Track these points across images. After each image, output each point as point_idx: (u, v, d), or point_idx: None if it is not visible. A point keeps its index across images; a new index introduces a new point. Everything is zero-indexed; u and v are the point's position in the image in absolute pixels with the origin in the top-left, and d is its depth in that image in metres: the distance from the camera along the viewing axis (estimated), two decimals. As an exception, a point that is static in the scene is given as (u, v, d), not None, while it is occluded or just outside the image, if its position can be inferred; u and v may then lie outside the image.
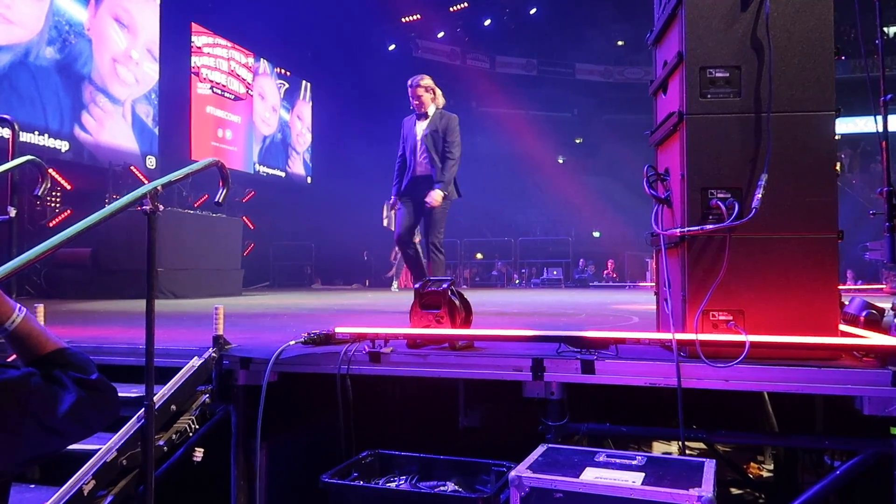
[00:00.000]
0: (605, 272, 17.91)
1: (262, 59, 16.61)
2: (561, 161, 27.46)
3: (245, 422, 2.98)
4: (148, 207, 2.47)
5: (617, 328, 4.08)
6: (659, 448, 4.16)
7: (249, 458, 2.97)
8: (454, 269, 18.15)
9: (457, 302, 2.92)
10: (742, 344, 2.42)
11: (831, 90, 2.55)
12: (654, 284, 9.38)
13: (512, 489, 2.21)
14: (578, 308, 6.37)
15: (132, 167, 11.68)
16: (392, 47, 20.91)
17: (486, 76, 26.82)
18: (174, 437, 2.69)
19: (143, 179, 11.72)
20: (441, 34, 23.89)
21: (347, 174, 17.49)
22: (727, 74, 2.59)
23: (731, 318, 2.55)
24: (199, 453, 2.78)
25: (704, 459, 2.34)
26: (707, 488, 2.07)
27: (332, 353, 2.87)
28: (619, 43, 29.11)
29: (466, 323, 2.97)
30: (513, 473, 2.22)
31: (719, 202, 2.54)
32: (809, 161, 2.54)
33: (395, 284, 13.30)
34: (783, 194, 2.52)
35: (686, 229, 2.56)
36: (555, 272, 16.19)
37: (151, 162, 12.79)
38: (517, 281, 16.81)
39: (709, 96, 2.60)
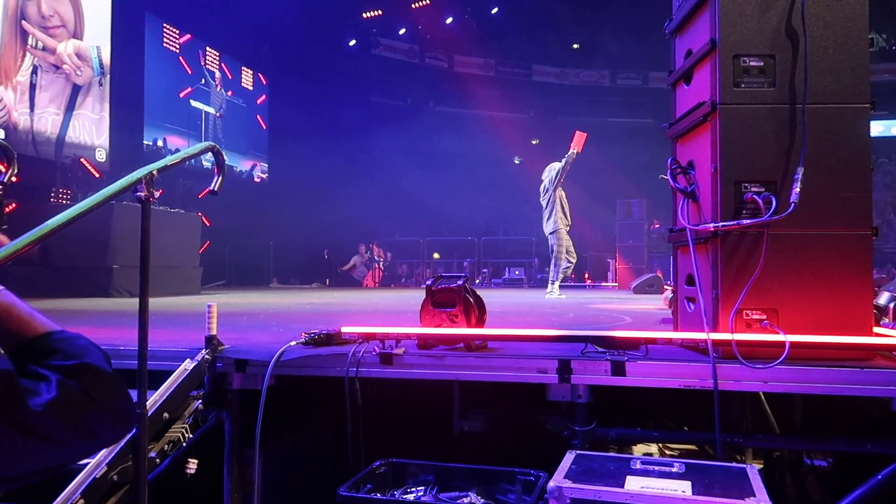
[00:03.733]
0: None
1: (216, 51, 16.08)
2: (517, 161, 27.53)
3: (240, 430, 2.74)
4: (143, 194, 2.24)
5: (616, 328, 3.98)
6: (638, 450, 4.07)
7: (244, 468, 2.73)
8: (414, 267, 17.94)
9: (471, 300, 2.75)
10: (778, 344, 2.33)
11: (866, 82, 2.48)
12: (616, 284, 9.42)
13: (551, 500, 2.05)
14: (561, 308, 6.27)
15: (82, 159, 11.10)
16: (352, 43, 20.56)
17: (445, 75, 26.70)
18: (166, 447, 2.44)
19: (94, 172, 11.17)
20: (402, 31, 23.64)
21: (306, 171, 17.09)
22: (761, 63, 2.49)
23: (764, 316, 2.45)
24: (192, 465, 2.54)
25: (745, 465, 2.23)
26: (762, 497, 1.95)
27: (339, 355, 2.66)
28: (575, 46, 29.42)
29: (481, 322, 2.80)
30: (551, 484, 2.06)
31: (755, 196, 2.44)
32: (844, 155, 2.47)
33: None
34: (818, 188, 2.44)
35: (721, 224, 2.45)
36: (517, 272, 16.14)
37: (101, 154, 12.20)
38: (477, 280, 16.72)
39: (742, 86, 2.50)
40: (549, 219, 8.67)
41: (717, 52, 2.50)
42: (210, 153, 2.69)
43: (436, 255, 19.11)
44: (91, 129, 12.10)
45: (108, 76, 12.52)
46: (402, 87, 25.13)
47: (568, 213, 8.76)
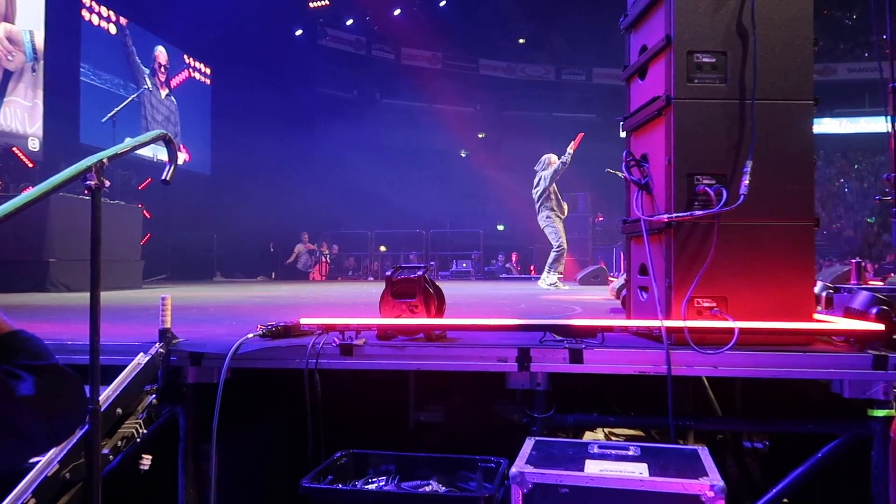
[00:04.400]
0: (509, 265, 18.18)
1: (157, 38, 15.56)
2: (464, 155, 27.65)
3: (195, 424, 2.69)
4: (93, 182, 2.15)
5: (569, 317, 4.05)
6: (587, 437, 4.18)
7: (200, 463, 2.68)
8: (361, 260, 17.83)
9: (431, 290, 2.76)
10: (728, 330, 2.42)
11: (810, 80, 2.59)
12: (561, 276, 9.38)
13: (514, 486, 2.08)
14: (512, 299, 6.34)
15: (14, 148, 10.60)
16: (299, 32, 20.21)
17: (392, 68, 26.57)
18: (120, 443, 2.37)
19: (27, 162, 10.68)
20: (350, 21, 23.37)
21: (250, 162, 16.75)
22: (714, 60, 2.58)
23: (714, 304, 2.54)
24: (146, 461, 2.47)
25: (697, 447, 2.32)
26: (715, 476, 2.03)
27: (299, 347, 2.63)
28: (521, 41, 29.70)
29: (440, 312, 2.81)
30: (513, 470, 2.10)
31: (706, 188, 2.52)
32: (789, 149, 2.58)
33: None
34: (765, 181, 2.54)
35: (674, 215, 2.53)
36: (464, 264, 16.23)
37: (35, 144, 11.66)
38: (426, 273, 16.74)
39: (696, 81, 2.58)
40: (542, 211, 8.72)
41: (671, 48, 2.57)
42: (161, 142, 2.62)
43: (382, 248, 19.05)
44: (23, 116, 11.55)
45: (42, 62, 11.97)
46: (349, 78, 24.90)
47: (564, 205, 8.84)
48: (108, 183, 2.20)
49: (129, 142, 2.40)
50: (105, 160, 2.19)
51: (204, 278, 14.59)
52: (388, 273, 2.80)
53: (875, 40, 2.55)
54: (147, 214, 12.60)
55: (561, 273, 8.81)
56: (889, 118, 2.25)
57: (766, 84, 2.56)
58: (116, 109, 10.95)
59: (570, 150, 8.54)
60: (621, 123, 3.11)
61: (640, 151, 2.90)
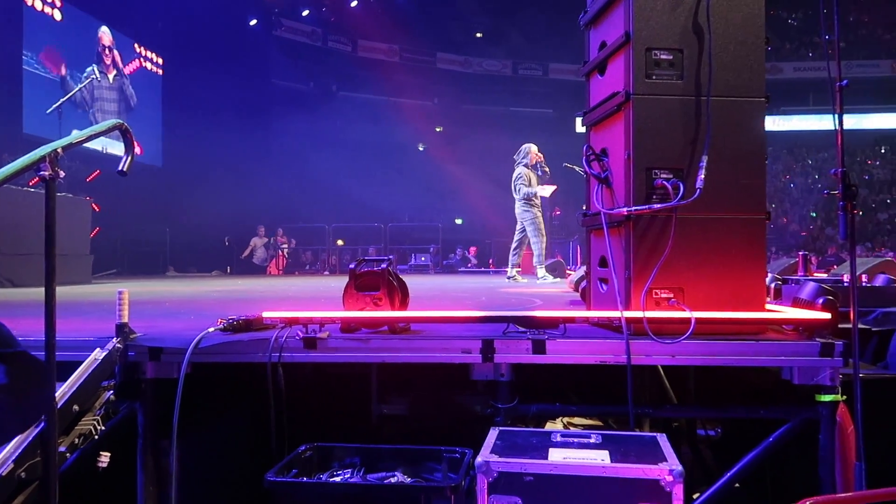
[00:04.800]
0: (468, 256, 18.27)
1: (107, 26, 15.08)
2: (421, 148, 27.63)
3: (154, 420, 2.64)
4: (47, 173, 2.09)
5: (529, 310, 4.10)
6: (548, 427, 4.26)
7: (160, 460, 2.64)
8: (319, 254, 17.67)
9: (395, 283, 2.76)
10: (685, 320, 2.49)
11: (762, 77, 2.68)
12: (519, 269, 9.44)
13: (479, 475, 2.11)
14: (472, 292, 6.39)
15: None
16: (253, 22, 19.84)
17: (349, 60, 26.33)
18: (77, 440, 2.31)
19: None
20: (306, 12, 23.04)
21: (204, 155, 16.41)
22: (671, 57, 2.64)
23: (672, 295, 2.62)
24: (104, 459, 2.42)
25: (656, 434, 2.38)
26: (673, 461, 2.10)
27: (261, 341, 2.60)
28: (478, 35, 29.78)
29: (404, 305, 2.82)
30: (479, 459, 2.13)
31: (664, 182, 2.59)
32: (742, 145, 2.66)
33: None
34: (720, 176, 2.62)
35: (633, 208, 2.59)
36: (423, 258, 16.25)
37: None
38: (384, 267, 16.70)
39: (654, 77, 2.64)
40: (519, 203, 8.65)
41: (630, 44, 2.62)
42: (117, 132, 2.56)
43: (340, 242, 18.90)
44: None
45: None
46: (306, 70, 24.59)
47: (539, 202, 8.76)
48: (62, 173, 2.14)
49: (84, 131, 2.34)
50: (60, 150, 2.13)
51: (156, 273, 14.26)
52: (352, 266, 2.80)
53: (823, 40, 2.64)
54: (96, 207, 12.24)
55: (519, 266, 8.84)
56: (836, 116, 2.35)
57: (720, 81, 2.63)
58: (62, 100, 10.58)
59: (540, 191, 8.48)
60: (580, 118, 3.16)
61: (599, 146, 2.96)
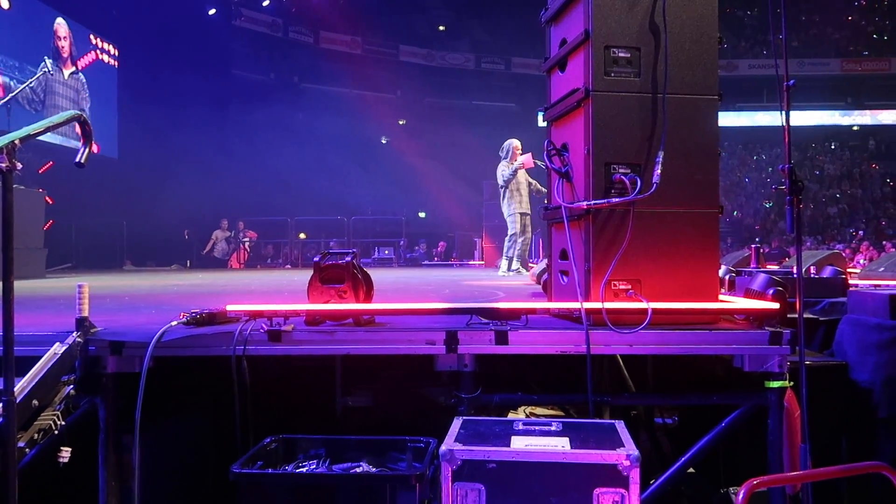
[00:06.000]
0: (435, 251, 18.33)
1: (60, 15, 14.64)
2: (384, 142, 27.54)
3: (115, 415, 2.62)
4: (4, 165, 2.07)
5: (492, 302, 4.17)
6: (510, 416, 4.34)
7: (122, 455, 2.62)
8: (281, 248, 17.51)
9: (360, 276, 2.79)
10: (642, 311, 2.58)
11: (715, 76, 2.78)
12: (482, 262, 9.57)
13: (443, 463, 2.16)
14: (436, 285, 6.43)
15: None
16: (212, 12, 19.46)
17: (310, 51, 26.06)
18: (36, 436, 2.29)
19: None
20: (266, 2, 22.71)
21: (161, 146, 16.09)
22: (629, 55, 2.72)
23: (630, 287, 2.70)
24: (65, 454, 2.39)
25: (614, 421, 2.46)
26: (630, 447, 2.17)
27: (226, 334, 2.60)
28: (441, 28, 29.78)
29: (368, 298, 2.85)
30: (443, 448, 2.17)
31: (622, 177, 2.66)
32: (697, 141, 2.75)
33: None
34: (675, 171, 2.71)
35: (592, 202, 2.65)
36: (386, 251, 16.23)
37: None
38: (347, 261, 16.62)
39: (612, 75, 2.71)
40: (504, 201, 8.56)
41: (590, 42, 2.69)
42: (75, 123, 2.52)
43: (302, 235, 18.73)
44: None
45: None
46: (266, 61, 24.24)
47: (526, 199, 8.65)
48: (20, 165, 2.12)
49: (42, 122, 2.30)
50: (17, 141, 2.11)
51: (113, 267, 13.95)
52: (317, 259, 2.81)
53: (773, 39, 2.75)
54: (49, 200, 11.92)
55: (518, 260, 8.79)
56: (783, 114, 2.45)
57: (676, 79, 2.72)
58: (10, 94, 10.24)
59: (520, 163, 8.39)
60: (542, 114, 3.22)
61: (560, 141, 3.02)
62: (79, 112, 2.46)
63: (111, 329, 2.72)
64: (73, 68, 15.11)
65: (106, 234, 14.98)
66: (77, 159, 2.52)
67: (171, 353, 2.60)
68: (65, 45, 14.89)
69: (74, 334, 2.53)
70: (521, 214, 8.49)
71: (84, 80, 15.52)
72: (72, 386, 2.49)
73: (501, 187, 8.56)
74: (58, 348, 2.45)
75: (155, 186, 15.52)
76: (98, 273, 11.13)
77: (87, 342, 2.55)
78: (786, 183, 2.28)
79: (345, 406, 3.32)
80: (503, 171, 8.48)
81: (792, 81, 2.35)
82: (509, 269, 8.60)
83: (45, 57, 14.22)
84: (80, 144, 2.50)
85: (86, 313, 2.58)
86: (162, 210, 15.31)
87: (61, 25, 14.78)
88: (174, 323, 2.68)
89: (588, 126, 2.70)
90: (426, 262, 16.81)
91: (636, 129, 2.71)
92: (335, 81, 25.66)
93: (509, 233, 8.57)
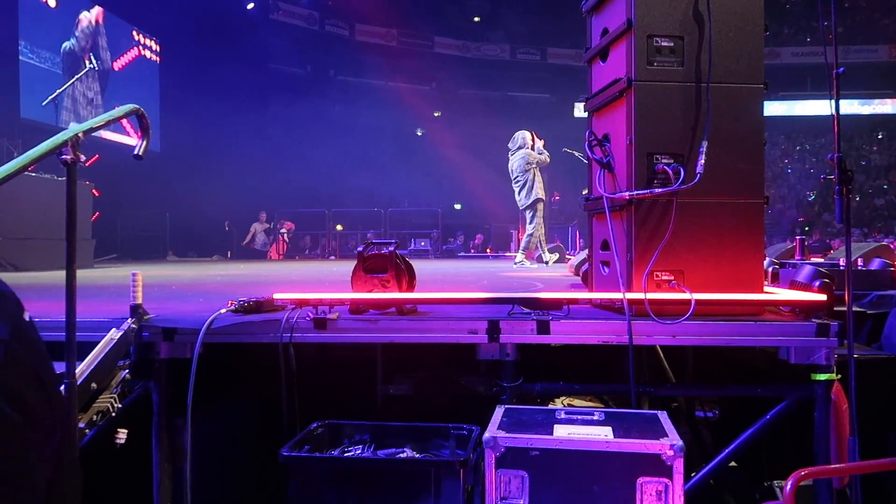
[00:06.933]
0: (472, 243, 18.36)
1: (103, 10, 14.99)
2: (420, 133, 27.60)
3: (168, 399, 2.71)
4: (69, 157, 2.15)
5: (531, 292, 4.17)
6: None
7: (174, 437, 2.72)
8: (319, 239, 17.73)
9: (402, 265, 2.83)
10: (685, 302, 2.56)
11: (761, 64, 2.74)
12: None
13: (487, 450, 2.19)
14: (474, 276, 6.46)
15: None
16: (250, 6, 19.73)
17: (346, 44, 26.23)
18: (95, 417, 2.39)
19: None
20: (303, -4, 22.92)
21: (202, 140, 16.40)
22: (671, 44, 2.69)
23: (672, 277, 2.68)
24: (122, 435, 2.49)
25: (656, 412, 2.46)
26: (674, 437, 2.18)
27: (273, 321, 2.67)
28: (476, 19, 29.65)
29: (411, 287, 2.89)
30: (486, 435, 2.20)
31: (665, 167, 2.65)
32: (741, 130, 2.72)
33: None
34: (719, 161, 2.68)
35: (635, 193, 2.65)
36: (422, 243, 16.33)
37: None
38: (384, 252, 16.75)
39: (655, 64, 2.69)
40: (520, 191, 8.64)
41: (632, 31, 2.67)
42: (135, 116, 2.61)
43: (339, 227, 18.95)
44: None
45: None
46: (303, 54, 24.48)
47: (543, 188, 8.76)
48: (83, 158, 2.20)
49: (102, 116, 2.39)
50: (81, 134, 2.19)
51: (156, 257, 14.32)
52: (360, 249, 2.86)
53: (821, 25, 2.70)
54: (96, 193, 12.27)
55: (545, 249, 8.85)
56: (833, 102, 2.41)
57: (720, 68, 2.69)
58: (57, 92, 10.56)
59: (539, 150, 8.48)
60: (581, 104, 3.21)
61: (601, 131, 3.01)
62: (137, 106, 2.54)
63: (162, 316, 2.81)
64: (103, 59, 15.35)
65: (149, 225, 15.37)
66: (135, 152, 2.61)
67: (220, 340, 2.68)
68: (106, 43, 15.20)
69: (129, 321, 2.62)
70: (542, 201, 8.62)
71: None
72: (127, 370, 2.59)
73: (517, 180, 8.61)
74: (114, 334, 2.54)
75: (196, 179, 15.83)
76: (142, 263, 11.43)
77: (140, 328, 2.65)
78: (835, 173, 2.24)
79: (385, 394, 3.38)
80: (528, 157, 8.51)
81: (842, 69, 2.31)
82: (545, 256, 8.63)
83: (90, 54, 14.63)
84: (125, 138, 2.60)
85: (139, 301, 2.68)
86: (203, 202, 15.63)
87: (84, 17, 15.06)
88: (223, 311, 2.76)
89: (630, 116, 2.69)
90: (462, 253, 16.85)
91: (679, 119, 2.69)
92: (371, 74, 25.78)
93: (531, 222, 8.61)
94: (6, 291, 1.12)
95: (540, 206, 8.63)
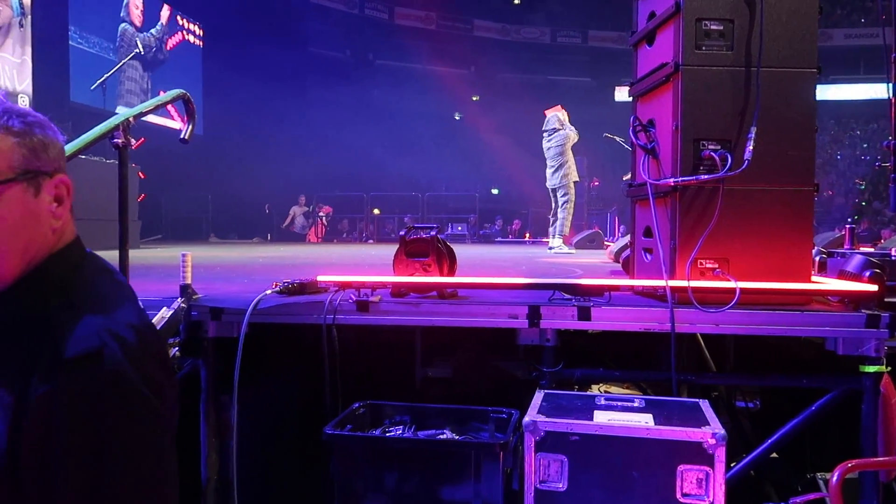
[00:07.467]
0: (509, 228, 18.30)
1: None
2: (458, 117, 27.51)
3: (215, 377, 2.79)
4: (120, 141, 2.23)
5: (571, 279, 4.16)
6: None
7: (221, 414, 2.80)
8: (357, 223, 17.88)
9: (443, 250, 2.85)
10: (729, 290, 2.53)
11: (814, 48, 2.66)
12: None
13: (527, 434, 2.21)
14: (512, 262, 6.46)
15: (6, 105, 10.47)
16: (291, -10, 19.89)
17: (385, 27, 26.23)
18: (147, 393, 2.47)
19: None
20: (343, -21, 22.97)
21: (243, 123, 16.63)
22: (721, 27, 2.64)
23: (716, 265, 2.65)
24: (172, 410, 2.58)
25: (698, 400, 2.45)
26: (716, 426, 2.16)
27: (316, 303, 2.72)
28: (516, 1, 29.31)
29: (451, 271, 2.91)
30: (526, 419, 2.22)
31: (712, 153, 2.61)
32: (792, 116, 2.66)
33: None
34: (768, 147, 2.62)
35: (680, 179, 2.61)
36: (459, 227, 16.35)
37: (24, 101, 11.53)
38: (421, 236, 16.83)
39: (703, 48, 2.64)
40: (555, 172, 8.60)
41: (681, 14, 2.62)
42: (181, 101, 2.67)
43: (376, 211, 19.06)
44: (12, 73, 11.40)
45: (30, 17, 11.77)
46: (342, 38, 24.58)
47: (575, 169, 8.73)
48: (134, 141, 2.27)
49: (151, 101, 2.46)
50: (131, 119, 2.26)
51: (199, 239, 14.63)
52: (402, 233, 2.89)
53: (879, 4, 2.61)
54: (141, 175, 12.56)
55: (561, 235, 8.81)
56: (890, 86, 2.33)
57: (771, 52, 2.62)
58: (106, 76, 10.80)
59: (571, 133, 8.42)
60: (622, 88, 3.17)
61: (646, 116, 2.97)
62: (183, 91, 2.61)
63: (210, 296, 2.89)
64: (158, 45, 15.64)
65: (192, 207, 15.69)
66: (182, 136, 2.68)
67: (265, 321, 2.74)
68: (138, 13, 15.44)
69: (179, 300, 2.70)
70: (574, 182, 8.56)
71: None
72: (177, 348, 2.68)
73: (552, 163, 8.53)
74: (165, 313, 2.63)
75: (237, 162, 16.10)
76: (186, 244, 11.69)
77: (189, 308, 2.73)
78: (891, 160, 2.18)
79: (424, 376, 3.42)
80: (565, 140, 8.43)
81: (901, 53, 2.24)
82: (551, 242, 8.58)
83: (136, 39, 14.93)
84: (169, 122, 2.67)
85: (189, 280, 2.76)
86: (244, 185, 15.89)
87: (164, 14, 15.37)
88: (268, 292, 2.82)
89: (677, 101, 2.65)
90: (499, 238, 16.82)
91: (727, 105, 2.64)
92: (409, 57, 25.75)
93: (564, 203, 8.51)
94: (122, 280, 1.19)
95: (572, 189, 8.55)
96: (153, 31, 15.27)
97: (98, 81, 11.45)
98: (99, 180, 8.66)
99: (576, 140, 8.60)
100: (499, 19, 28.55)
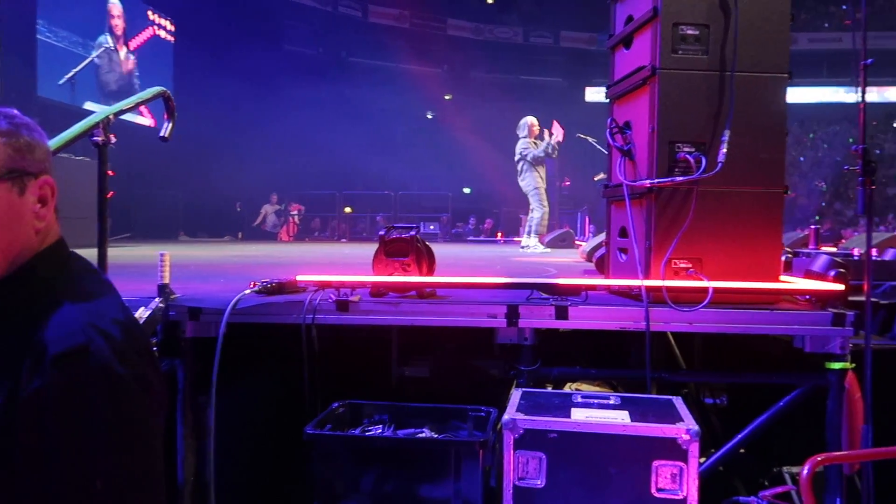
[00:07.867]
0: (482, 227, 18.37)
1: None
2: (430, 116, 27.51)
3: (193, 377, 2.77)
4: (100, 139, 2.21)
5: (545, 278, 4.21)
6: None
7: (198, 414, 2.78)
8: (328, 221, 17.78)
9: (423, 249, 2.87)
10: (703, 290, 2.59)
11: (786, 54, 2.75)
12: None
13: (506, 432, 2.24)
14: (487, 261, 6.50)
15: (-33, 100, 10.21)
16: (264, -14, 19.67)
17: (358, 26, 26.10)
18: (124, 394, 2.45)
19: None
20: (316, -24, 22.79)
21: (214, 120, 16.42)
22: (697, 32, 2.70)
23: (690, 265, 2.71)
24: (149, 411, 2.55)
25: (671, 397, 2.50)
26: (690, 422, 2.22)
27: (296, 303, 2.72)
28: (489, 1, 29.41)
29: (431, 271, 2.93)
30: (506, 417, 2.25)
31: (687, 155, 2.67)
32: (764, 120, 2.74)
33: None
34: (741, 150, 2.70)
35: (656, 180, 2.67)
36: (431, 226, 16.37)
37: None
38: (393, 235, 16.80)
39: (679, 52, 2.70)
40: (524, 175, 8.66)
41: (658, 19, 2.68)
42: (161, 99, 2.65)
43: (348, 210, 18.97)
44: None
45: (-4, 10, 11.47)
46: (315, 35, 24.40)
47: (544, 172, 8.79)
48: (114, 138, 2.25)
49: (130, 99, 2.43)
50: (111, 116, 2.24)
51: (168, 237, 14.40)
52: (382, 232, 2.90)
53: (850, 11, 2.69)
54: (110, 173, 12.29)
55: (537, 235, 8.90)
56: (858, 92, 2.41)
57: (744, 57, 2.69)
58: (74, 71, 10.57)
59: (554, 138, 8.44)
60: (593, 88, 3.22)
61: (623, 119, 3.03)
62: (164, 88, 2.58)
63: (187, 296, 2.87)
64: (125, 49, 15.43)
65: (161, 205, 15.44)
66: (161, 134, 2.66)
67: (244, 320, 2.73)
68: (118, 23, 15.21)
69: (157, 300, 2.68)
70: (544, 189, 8.66)
71: (135, 61, 15.87)
72: (155, 348, 2.65)
73: (518, 161, 8.64)
74: (142, 312, 2.60)
75: (208, 160, 15.88)
76: (156, 243, 11.51)
77: (167, 307, 2.70)
78: (859, 164, 2.26)
79: (401, 376, 3.43)
80: (527, 148, 8.54)
81: (870, 60, 2.31)
82: (524, 241, 8.68)
83: (105, 33, 14.65)
84: (139, 118, 2.64)
85: (167, 280, 2.73)
86: (215, 183, 15.70)
87: (115, 5, 15.11)
88: (247, 291, 2.81)
89: (653, 104, 2.71)
90: (471, 237, 16.87)
91: (702, 108, 2.71)
92: (382, 56, 25.66)
93: (535, 207, 8.64)
94: (106, 279, 1.20)
95: (536, 194, 8.66)
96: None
97: (65, 77, 11.20)
98: (67, 177, 8.46)
99: (538, 157, 8.59)
100: (472, 19, 28.61)
